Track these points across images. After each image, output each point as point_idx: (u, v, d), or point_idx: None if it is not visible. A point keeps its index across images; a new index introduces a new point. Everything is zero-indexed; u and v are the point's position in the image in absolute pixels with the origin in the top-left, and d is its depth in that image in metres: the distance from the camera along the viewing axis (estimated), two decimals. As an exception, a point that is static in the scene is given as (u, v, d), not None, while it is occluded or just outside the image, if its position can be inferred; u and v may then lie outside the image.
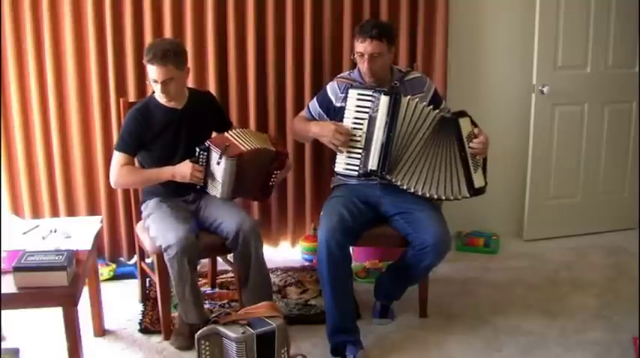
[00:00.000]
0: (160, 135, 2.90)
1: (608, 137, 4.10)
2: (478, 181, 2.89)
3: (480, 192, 2.90)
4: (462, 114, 2.87)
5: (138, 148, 2.91)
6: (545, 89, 3.85)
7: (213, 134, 3.05)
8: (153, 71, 2.78)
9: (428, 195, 2.85)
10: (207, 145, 2.85)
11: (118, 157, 2.89)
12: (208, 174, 2.87)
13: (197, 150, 2.84)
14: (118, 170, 2.88)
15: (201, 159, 2.85)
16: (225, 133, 2.93)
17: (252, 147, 2.85)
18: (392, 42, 2.92)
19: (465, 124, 2.85)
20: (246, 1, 3.41)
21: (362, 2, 3.53)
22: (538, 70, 3.82)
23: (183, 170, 2.84)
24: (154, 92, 2.94)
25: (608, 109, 4.07)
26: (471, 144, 2.84)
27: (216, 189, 2.87)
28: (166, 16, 3.34)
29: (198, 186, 2.90)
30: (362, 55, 2.87)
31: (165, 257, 2.72)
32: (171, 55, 2.78)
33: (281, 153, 2.97)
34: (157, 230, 2.81)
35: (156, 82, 2.80)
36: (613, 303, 3.26)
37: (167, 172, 2.87)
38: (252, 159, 2.88)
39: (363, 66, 2.90)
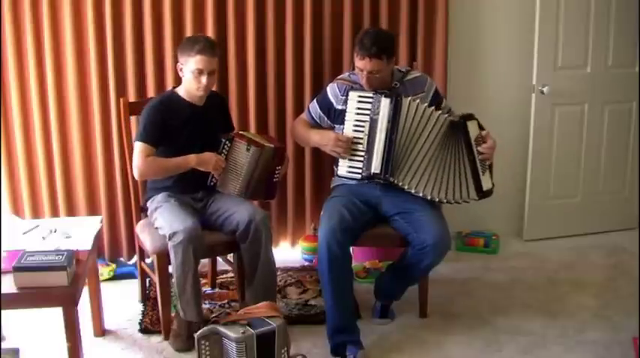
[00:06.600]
0: (180, 129, 2.88)
1: (608, 137, 4.10)
2: (486, 184, 2.90)
3: (488, 194, 2.91)
4: (470, 117, 2.86)
5: (160, 139, 2.85)
6: (545, 89, 3.84)
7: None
8: (200, 62, 2.78)
9: (437, 199, 2.86)
10: (231, 136, 2.90)
11: (141, 148, 2.82)
12: (226, 168, 2.91)
13: (222, 140, 2.89)
14: (144, 160, 2.81)
15: (224, 150, 2.89)
16: (238, 132, 3.02)
17: (267, 143, 2.94)
18: (392, 54, 2.89)
19: (472, 127, 2.85)
20: (246, 1, 3.41)
21: (362, 2, 3.53)
22: (538, 70, 3.82)
23: (207, 158, 2.86)
24: (174, 87, 2.97)
25: (608, 109, 4.07)
26: (479, 149, 2.85)
27: (230, 185, 2.91)
28: (166, 16, 3.34)
29: (211, 183, 2.93)
30: (361, 70, 2.85)
31: (170, 244, 2.69)
32: (217, 46, 2.86)
33: (279, 148, 3.02)
34: (164, 220, 2.79)
35: (201, 72, 2.80)
36: (613, 303, 3.26)
37: (192, 160, 2.85)
38: (265, 155, 2.93)
39: (362, 80, 2.88)
